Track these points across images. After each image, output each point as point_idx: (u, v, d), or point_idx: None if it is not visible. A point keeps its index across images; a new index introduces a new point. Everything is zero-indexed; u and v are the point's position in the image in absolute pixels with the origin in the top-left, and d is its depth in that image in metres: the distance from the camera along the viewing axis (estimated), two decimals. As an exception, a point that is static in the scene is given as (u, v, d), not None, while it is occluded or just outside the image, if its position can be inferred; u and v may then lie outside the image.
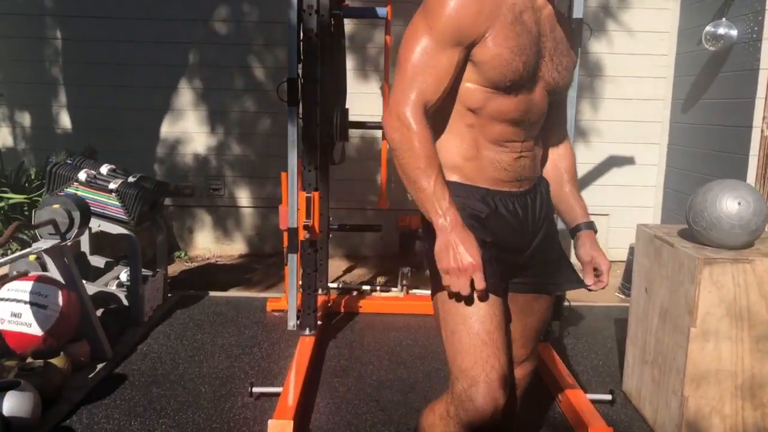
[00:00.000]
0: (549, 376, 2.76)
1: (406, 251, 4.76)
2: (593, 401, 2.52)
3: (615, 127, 4.88)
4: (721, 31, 3.84)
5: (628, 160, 4.88)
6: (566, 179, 1.65)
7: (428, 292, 3.99)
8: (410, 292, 3.93)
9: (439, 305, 1.45)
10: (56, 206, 2.78)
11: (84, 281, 3.23)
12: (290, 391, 2.52)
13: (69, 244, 2.85)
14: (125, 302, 3.36)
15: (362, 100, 4.64)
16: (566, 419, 2.50)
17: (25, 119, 4.96)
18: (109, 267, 3.74)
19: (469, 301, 1.36)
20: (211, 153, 4.99)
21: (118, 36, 4.78)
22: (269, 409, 2.47)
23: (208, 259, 5.01)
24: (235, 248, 5.11)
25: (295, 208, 2.99)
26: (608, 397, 2.62)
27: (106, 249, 4.02)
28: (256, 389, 2.61)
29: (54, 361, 2.55)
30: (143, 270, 3.47)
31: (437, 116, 1.42)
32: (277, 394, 2.52)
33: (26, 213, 3.92)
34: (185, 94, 4.91)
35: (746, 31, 3.72)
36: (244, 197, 5.04)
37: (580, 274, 1.63)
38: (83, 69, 4.84)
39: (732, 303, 2.11)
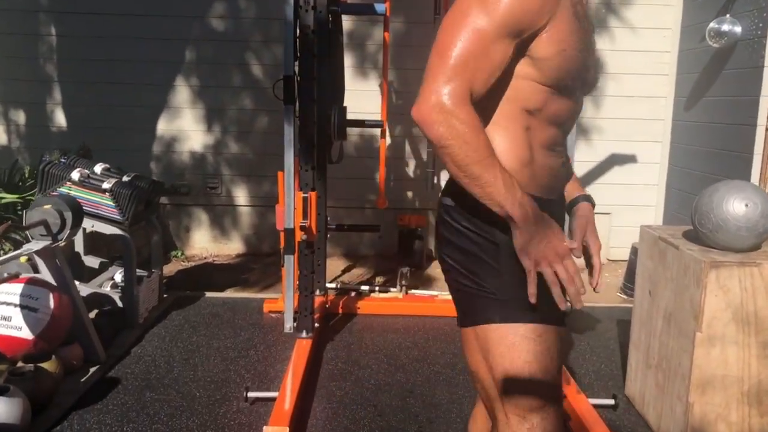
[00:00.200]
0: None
1: (406, 250, 4.71)
2: (595, 406, 2.47)
3: (617, 125, 4.82)
4: (725, 27, 3.78)
5: (630, 159, 4.83)
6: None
7: (427, 292, 3.99)
8: (410, 292, 3.88)
9: (496, 333, 1.25)
10: (48, 207, 2.72)
11: (78, 282, 3.18)
12: (286, 395, 2.47)
13: (61, 245, 2.80)
14: (120, 304, 3.31)
15: (361, 97, 4.58)
16: (568, 425, 2.45)
17: (20, 117, 4.90)
18: (103, 267, 3.69)
19: (554, 311, 1.22)
20: (208, 151, 4.93)
21: (114, 33, 4.72)
22: (265, 414, 2.42)
23: (205, 258, 4.96)
24: (232, 247, 5.06)
25: (291, 209, 2.93)
26: (611, 401, 2.57)
27: (101, 249, 3.97)
28: (251, 394, 2.56)
29: (45, 365, 2.50)
30: (138, 270, 3.41)
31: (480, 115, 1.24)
32: (273, 399, 2.47)
33: (20, 213, 3.86)
34: (182, 92, 4.85)
35: (751, 27, 3.66)
36: (241, 196, 4.99)
37: None
38: (78, 66, 4.78)
39: (739, 307, 2.05)
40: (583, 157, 4.71)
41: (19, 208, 3.86)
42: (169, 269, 4.56)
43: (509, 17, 1.14)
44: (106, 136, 4.73)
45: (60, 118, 4.88)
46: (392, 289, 3.92)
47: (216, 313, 3.61)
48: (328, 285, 3.90)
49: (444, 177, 4.81)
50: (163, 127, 4.89)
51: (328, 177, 3.66)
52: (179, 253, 4.97)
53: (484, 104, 1.21)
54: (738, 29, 3.75)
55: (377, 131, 4.45)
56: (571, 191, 1.52)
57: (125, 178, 3.38)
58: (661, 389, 2.35)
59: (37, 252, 2.67)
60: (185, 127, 4.89)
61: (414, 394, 2.69)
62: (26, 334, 2.52)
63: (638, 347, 2.57)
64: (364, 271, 4.65)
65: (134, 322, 3.28)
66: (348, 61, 4.52)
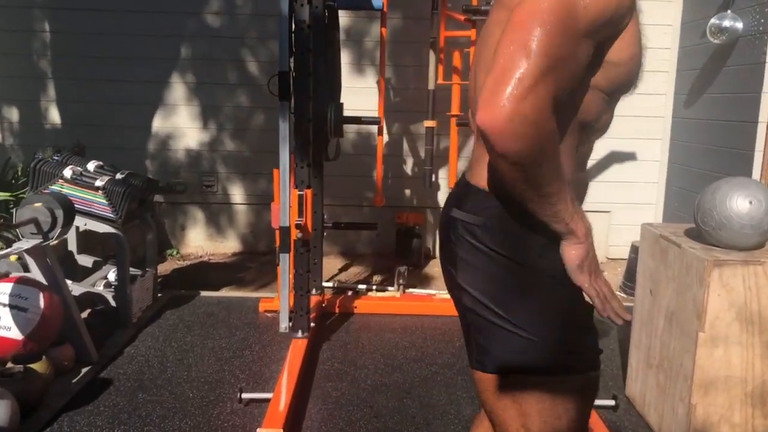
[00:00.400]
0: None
1: (403, 249, 4.67)
2: (596, 407, 2.43)
3: (616, 123, 4.63)
4: (726, 23, 3.74)
5: (630, 156, 4.78)
6: None
7: (425, 291, 3.95)
8: (407, 291, 3.84)
9: (536, 386, 1.09)
10: (38, 205, 2.67)
11: (70, 281, 3.14)
12: (281, 397, 2.43)
13: (52, 243, 2.75)
14: (113, 303, 3.26)
15: (358, 94, 4.54)
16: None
17: (13, 114, 4.84)
18: (97, 266, 3.64)
19: (593, 349, 1.11)
20: (204, 148, 4.88)
21: (108, 29, 4.66)
22: (259, 415, 2.38)
23: (200, 257, 4.91)
24: (228, 246, 5.01)
25: (287, 207, 2.89)
26: (611, 402, 2.53)
27: (95, 248, 3.92)
28: (245, 395, 2.52)
29: (35, 366, 2.45)
30: (132, 269, 3.37)
31: None
32: (267, 400, 2.43)
33: (12, 211, 3.81)
34: (177, 89, 4.79)
35: (752, 23, 3.61)
36: (237, 194, 4.94)
37: None
38: (73, 63, 4.73)
39: (742, 307, 2.01)
40: (583, 155, 4.66)
41: (11, 206, 3.81)
42: (165, 268, 4.51)
43: (604, 12, 0.97)
44: (101, 134, 4.68)
45: (54, 115, 4.83)
46: (390, 288, 3.88)
47: (211, 312, 3.56)
48: (325, 284, 3.86)
49: (442, 175, 4.77)
50: (158, 124, 4.84)
51: (325, 174, 3.61)
52: (175, 252, 4.92)
53: (558, 118, 1.01)
54: (739, 25, 3.70)
55: (374, 128, 4.41)
56: None
57: (119, 176, 3.34)
58: (662, 390, 2.30)
59: (28, 251, 2.62)
60: (181, 125, 4.84)
61: (411, 395, 2.65)
62: (15, 334, 2.47)
63: (639, 347, 2.53)
64: (361, 270, 4.60)
65: (127, 321, 3.23)
66: (345, 57, 4.47)
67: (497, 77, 0.91)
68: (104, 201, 3.16)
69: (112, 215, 3.17)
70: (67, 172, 3.19)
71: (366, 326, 3.43)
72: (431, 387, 2.72)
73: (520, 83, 0.90)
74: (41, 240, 2.64)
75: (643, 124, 4.76)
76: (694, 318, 2.07)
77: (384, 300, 3.73)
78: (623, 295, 4.13)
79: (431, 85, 3.86)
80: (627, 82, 1.10)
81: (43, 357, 2.52)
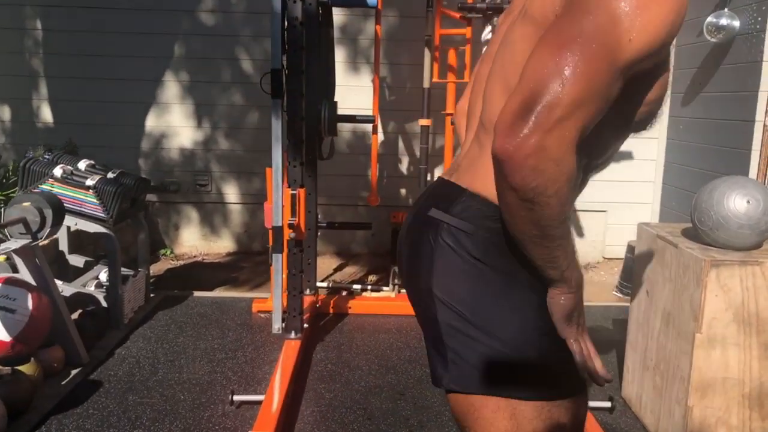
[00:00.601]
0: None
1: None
2: (591, 409, 2.40)
3: None
4: (724, 21, 3.71)
5: (626, 155, 4.75)
6: None
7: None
8: (402, 291, 3.80)
9: (528, 409, 1.01)
10: (27, 204, 2.63)
11: (61, 282, 3.10)
12: (273, 398, 2.39)
13: (41, 243, 2.71)
14: (104, 304, 3.22)
15: (352, 93, 4.51)
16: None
17: (4, 112, 4.79)
18: (88, 266, 3.60)
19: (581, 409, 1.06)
20: (198, 147, 4.84)
21: (101, 27, 4.62)
22: (251, 418, 2.35)
23: (194, 257, 4.87)
24: (222, 245, 4.97)
25: (280, 206, 2.85)
26: (607, 404, 2.50)
27: (87, 248, 3.89)
28: (237, 397, 2.49)
29: (24, 368, 2.41)
30: (124, 270, 3.33)
31: None
32: (260, 402, 2.39)
33: (2, 210, 3.77)
34: (171, 87, 4.75)
35: (749, 21, 3.59)
36: (231, 193, 4.90)
37: None
38: (65, 61, 4.68)
39: (740, 307, 1.99)
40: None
41: (1, 205, 3.76)
42: (158, 268, 4.47)
43: (652, 46, 0.85)
44: (94, 132, 4.64)
45: (46, 114, 4.78)
46: (384, 288, 3.85)
47: (204, 313, 3.53)
48: (319, 284, 3.82)
49: (437, 174, 4.74)
50: (151, 123, 4.80)
51: (320, 174, 3.58)
52: (168, 252, 4.88)
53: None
54: (736, 23, 3.68)
55: (369, 127, 4.37)
56: None
57: (110, 175, 3.30)
58: (659, 392, 2.28)
59: (16, 251, 2.58)
60: (174, 123, 4.80)
61: (405, 397, 2.62)
62: (3, 336, 2.43)
63: (635, 348, 2.50)
64: (356, 270, 4.57)
65: (119, 322, 3.19)
66: (339, 55, 4.44)
67: (525, 100, 0.83)
68: (95, 200, 3.13)
69: (103, 215, 3.13)
70: (58, 171, 3.15)
71: (360, 327, 3.40)
72: (426, 388, 2.69)
73: (550, 112, 0.81)
74: (30, 240, 2.60)
75: (639, 123, 4.73)
76: (691, 319, 2.04)
77: (379, 300, 3.70)
78: (620, 295, 4.11)
79: (426, 84, 3.83)
80: (644, 123, 1.03)
81: (32, 359, 2.48)
